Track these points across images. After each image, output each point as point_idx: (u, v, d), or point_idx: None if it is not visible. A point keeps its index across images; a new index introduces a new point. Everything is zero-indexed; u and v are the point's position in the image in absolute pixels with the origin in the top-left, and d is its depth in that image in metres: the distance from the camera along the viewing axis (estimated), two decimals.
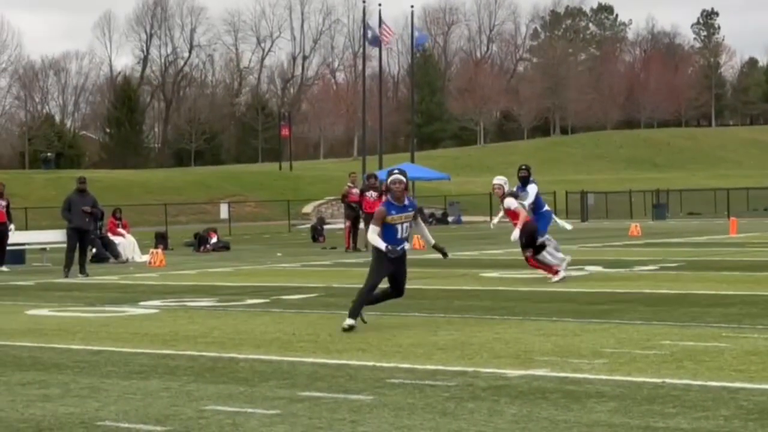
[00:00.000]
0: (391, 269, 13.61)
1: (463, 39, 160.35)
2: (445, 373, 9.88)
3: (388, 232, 13.56)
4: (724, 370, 9.78)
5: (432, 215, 61.58)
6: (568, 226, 21.93)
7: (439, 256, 14.44)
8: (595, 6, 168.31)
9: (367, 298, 13.60)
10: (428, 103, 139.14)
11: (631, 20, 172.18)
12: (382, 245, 13.47)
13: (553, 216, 21.48)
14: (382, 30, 63.27)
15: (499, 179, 20.31)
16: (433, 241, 14.09)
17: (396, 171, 13.80)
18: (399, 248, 13.53)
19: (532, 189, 20.46)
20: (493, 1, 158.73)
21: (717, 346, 11.23)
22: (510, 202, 19.92)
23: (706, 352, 10.78)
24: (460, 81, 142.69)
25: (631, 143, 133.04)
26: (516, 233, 19.85)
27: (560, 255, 20.47)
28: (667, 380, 9.26)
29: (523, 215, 19.87)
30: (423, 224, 14.30)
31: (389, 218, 13.54)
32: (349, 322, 13.26)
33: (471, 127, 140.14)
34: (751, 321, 13.27)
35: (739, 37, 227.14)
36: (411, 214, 13.68)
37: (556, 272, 19.76)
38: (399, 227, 13.57)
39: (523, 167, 21.00)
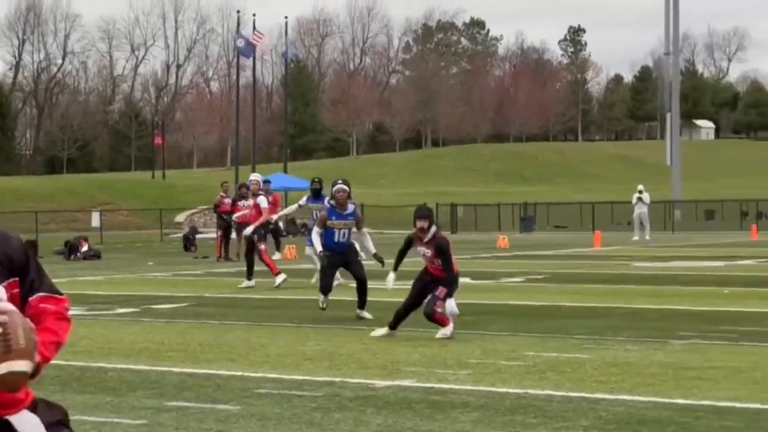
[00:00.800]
0: (337, 265, 15.69)
1: (337, 51, 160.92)
2: (313, 384, 9.96)
3: (327, 234, 15.46)
4: (585, 381, 10.00)
5: (304, 225, 61.52)
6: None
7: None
8: (467, 21, 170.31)
9: (322, 287, 15.72)
10: (302, 113, 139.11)
11: (501, 35, 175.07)
12: (318, 247, 15.46)
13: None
14: (254, 36, 63.16)
15: (256, 176, 22.97)
16: (373, 250, 15.63)
17: (340, 181, 15.81)
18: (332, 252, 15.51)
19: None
20: (366, 13, 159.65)
21: (579, 357, 11.48)
22: (262, 200, 22.59)
23: (569, 363, 11.02)
24: (333, 92, 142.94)
25: (501, 157, 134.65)
26: (250, 229, 22.23)
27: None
28: (530, 391, 9.45)
29: (266, 216, 22.57)
30: (367, 234, 15.96)
31: (329, 223, 15.48)
32: (322, 298, 15.72)
33: (344, 139, 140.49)
34: (613, 333, 13.59)
35: (606, 54, 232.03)
36: (351, 222, 15.54)
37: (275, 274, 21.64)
38: (337, 232, 15.50)
39: (316, 180, 22.26)
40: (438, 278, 13.55)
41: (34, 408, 3.77)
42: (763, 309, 16.37)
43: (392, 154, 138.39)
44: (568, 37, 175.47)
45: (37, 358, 3.60)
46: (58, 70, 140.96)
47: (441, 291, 13.40)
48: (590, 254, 35.47)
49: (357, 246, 16.33)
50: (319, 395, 9.35)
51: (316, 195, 21.68)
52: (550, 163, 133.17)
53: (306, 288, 20.87)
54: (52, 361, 3.90)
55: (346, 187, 15.65)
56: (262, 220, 22.45)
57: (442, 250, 13.46)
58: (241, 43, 64.10)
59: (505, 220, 65.79)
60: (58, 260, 34.38)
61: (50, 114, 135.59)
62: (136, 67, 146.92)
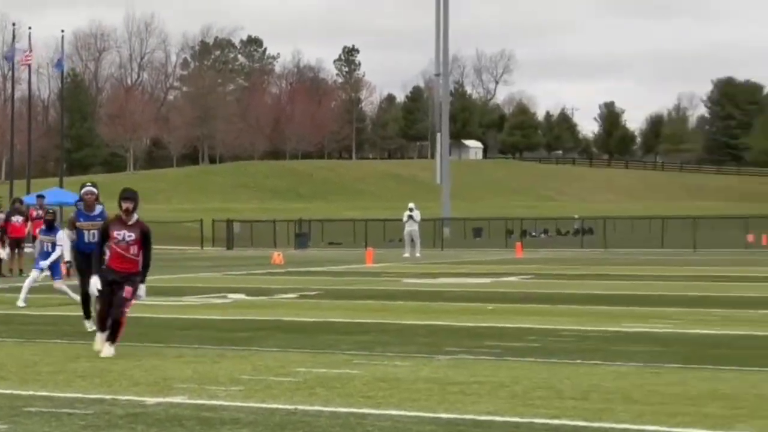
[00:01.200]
0: (85, 272, 15.39)
1: (114, 65, 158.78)
2: (84, 401, 9.91)
3: (77, 236, 15.72)
4: (354, 396, 10.21)
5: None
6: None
7: None
8: (244, 38, 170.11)
9: (83, 301, 16.00)
10: (78, 128, 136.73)
11: (278, 54, 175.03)
12: (67, 255, 16.04)
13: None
14: (24, 57, 62.60)
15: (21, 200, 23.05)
16: None
17: (89, 184, 15.99)
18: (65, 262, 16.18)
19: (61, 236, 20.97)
20: (144, 28, 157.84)
21: (349, 372, 11.71)
22: (18, 219, 23.00)
23: (338, 379, 11.24)
24: (111, 107, 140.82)
25: (277, 173, 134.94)
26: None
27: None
28: (299, 407, 9.59)
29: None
30: None
31: (78, 224, 15.73)
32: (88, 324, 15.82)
33: (121, 154, 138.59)
34: (383, 348, 13.88)
35: (379, 74, 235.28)
36: (99, 223, 15.48)
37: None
38: (86, 233, 15.61)
39: (51, 211, 22.47)
40: (125, 274, 13.24)
41: None
42: (525, 324, 16.96)
43: (169, 169, 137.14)
44: (342, 57, 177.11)
45: None
46: None
47: (127, 291, 13.18)
48: (362, 270, 35.99)
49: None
50: (89, 413, 9.32)
51: (50, 227, 20.89)
52: (324, 181, 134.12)
53: (75, 304, 20.62)
54: None
55: (94, 189, 15.86)
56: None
57: (147, 236, 13.34)
58: (8, 51, 63.47)
59: (280, 236, 66.02)
60: None
61: None
62: None
